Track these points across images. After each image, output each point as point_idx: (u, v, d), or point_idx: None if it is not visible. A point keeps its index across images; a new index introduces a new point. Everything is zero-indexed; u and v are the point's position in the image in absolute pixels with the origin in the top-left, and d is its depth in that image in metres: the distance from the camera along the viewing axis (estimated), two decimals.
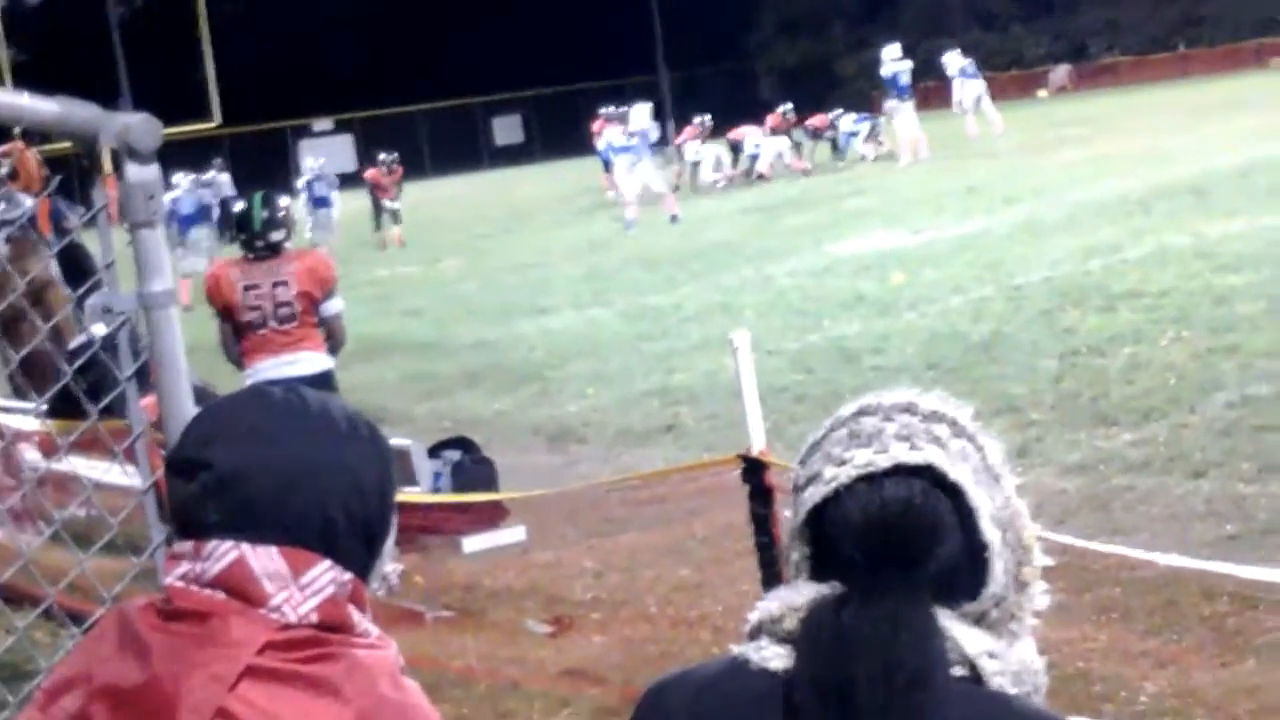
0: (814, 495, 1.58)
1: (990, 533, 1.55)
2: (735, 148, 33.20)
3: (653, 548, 7.64)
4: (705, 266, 18.50)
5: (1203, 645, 5.52)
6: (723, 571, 6.93)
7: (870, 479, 1.55)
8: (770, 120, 33.50)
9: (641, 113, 27.09)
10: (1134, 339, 10.63)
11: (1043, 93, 54.93)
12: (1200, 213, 16.29)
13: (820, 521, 1.58)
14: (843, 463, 1.57)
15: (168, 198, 24.11)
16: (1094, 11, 61.28)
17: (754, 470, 4.88)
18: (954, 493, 1.55)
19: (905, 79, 30.83)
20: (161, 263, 2.59)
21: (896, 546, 1.53)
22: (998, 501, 1.58)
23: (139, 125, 2.50)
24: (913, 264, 15.84)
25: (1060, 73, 57.64)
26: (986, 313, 12.53)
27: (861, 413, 1.63)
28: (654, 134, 26.91)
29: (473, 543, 7.65)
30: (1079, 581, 6.09)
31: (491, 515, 7.70)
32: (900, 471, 1.55)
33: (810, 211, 23.33)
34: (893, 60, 31.19)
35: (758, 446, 4.92)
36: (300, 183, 27.91)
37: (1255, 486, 7.16)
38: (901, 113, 30.59)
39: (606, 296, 17.18)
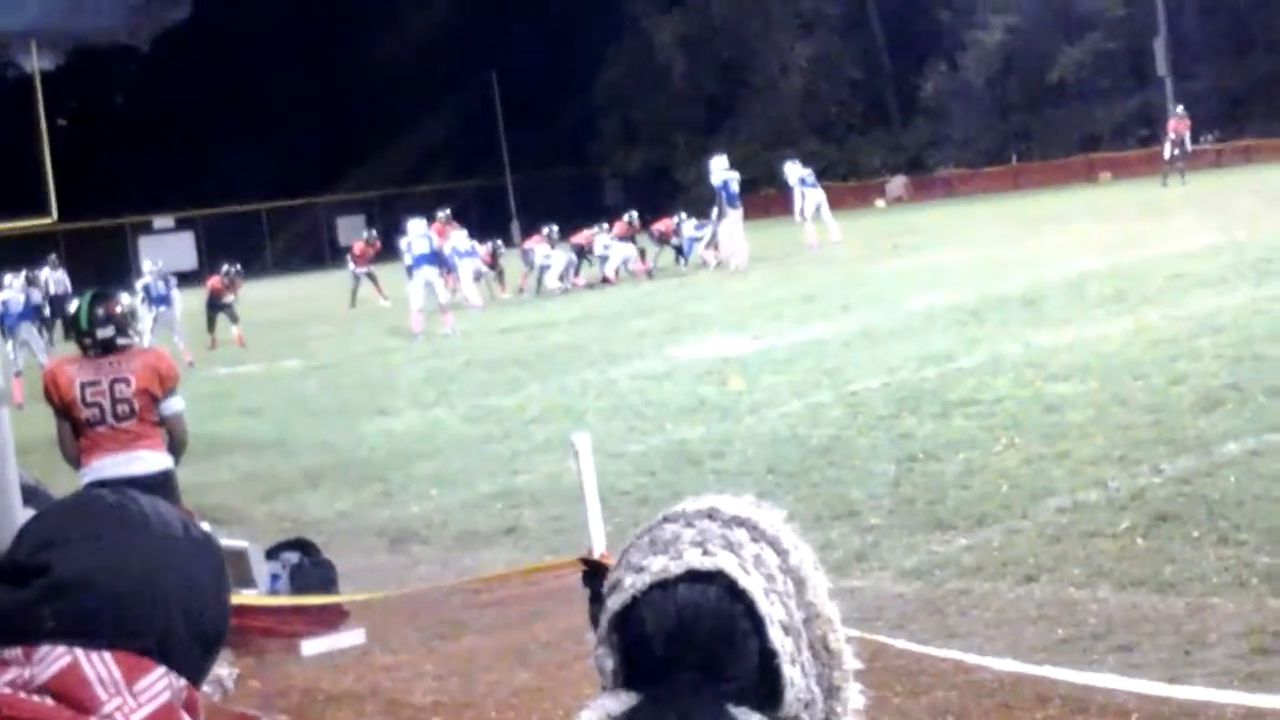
0: (615, 603, 1.59)
1: (779, 641, 1.54)
2: (580, 252, 33.55)
3: (494, 651, 7.58)
4: (548, 369, 18.52)
5: None
6: (564, 675, 6.90)
7: (664, 586, 1.55)
8: (618, 228, 33.91)
9: (418, 226, 27.40)
10: (969, 445, 10.81)
11: (880, 203, 56.15)
12: (1032, 322, 16.69)
13: (623, 629, 1.58)
14: (640, 570, 1.58)
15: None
16: (929, 124, 63.00)
17: (594, 574, 4.88)
18: (745, 599, 1.55)
19: (735, 187, 31.39)
20: None
21: (690, 653, 1.53)
22: (795, 608, 1.57)
23: None
24: (753, 369, 16.00)
25: (897, 183, 58.98)
26: (825, 418, 12.69)
27: (665, 519, 1.64)
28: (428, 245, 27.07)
29: (311, 645, 7.56)
30: (916, 685, 6.16)
31: (331, 618, 7.61)
32: (693, 578, 1.55)
33: (652, 316, 23.51)
34: (722, 170, 31.72)
35: (599, 549, 4.93)
36: (139, 284, 27.88)
37: (1085, 591, 7.29)
38: (731, 220, 31.11)
39: (449, 398, 17.11)
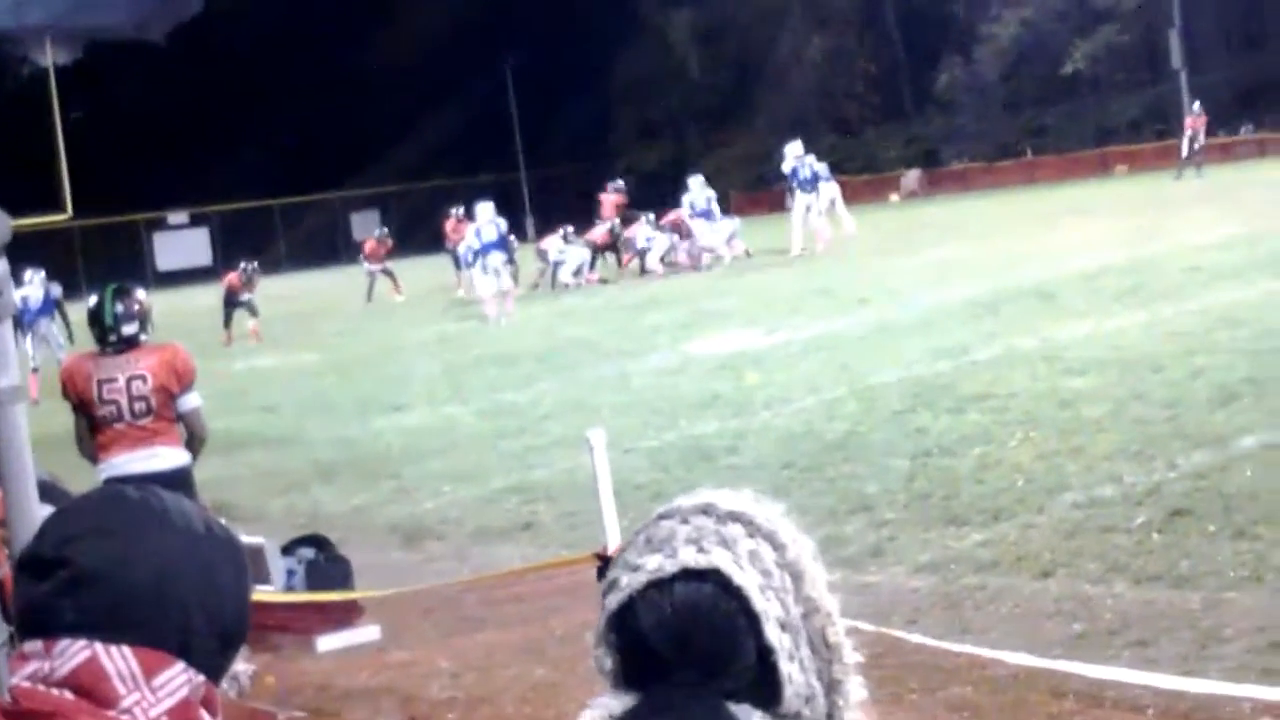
0: (612, 602, 1.58)
1: (776, 638, 1.54)
2: (595, 249, 33.63)
3: (510, 647, 7.59)
4: (563, 364, 18.53)
5: None
6: (581, 670, 6.89)
7: (660, 584, 1.55)
8: (671, 216, 34.01)
9: (487, 210, 27.45)
10: (983, 440, 10.80)
11: (895, 197, 56.03)
12: (1047, 316, 16.65)
13: (620, 629, 1.58)
14: (636, 569, 1.57)
15: (18, 294, 23.56)
16: (945, 118, 62.92)
17: (609, 569, 4.89)
18: (740, 596, 1.54)
19: (804, 173, 31.52)
20: (8, 358, 2.55)
21: (688, 652, 1.52)
22: (792, 603, 1.56)
23: None
24: (768, 364, 16.00)
25: (912, 177, 58.86)
26: (840, 413, 12.68)
27: (662, 517, 1.63)
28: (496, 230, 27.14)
29: (327, 642, 7.58)
30: (931, 680, 6.16)
31: (346, 614, 7.63)
32: (688, 576, 1.54)
33: (667, 310, 23.48)
34: (795, 156, 31.86)
35: (613, 545, 4.93)
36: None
37: (1101, 586, 7.29)
38: (794, 206, 31.30)
39: (463, 393, 17.12)
